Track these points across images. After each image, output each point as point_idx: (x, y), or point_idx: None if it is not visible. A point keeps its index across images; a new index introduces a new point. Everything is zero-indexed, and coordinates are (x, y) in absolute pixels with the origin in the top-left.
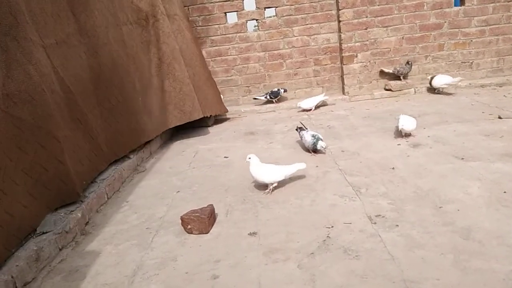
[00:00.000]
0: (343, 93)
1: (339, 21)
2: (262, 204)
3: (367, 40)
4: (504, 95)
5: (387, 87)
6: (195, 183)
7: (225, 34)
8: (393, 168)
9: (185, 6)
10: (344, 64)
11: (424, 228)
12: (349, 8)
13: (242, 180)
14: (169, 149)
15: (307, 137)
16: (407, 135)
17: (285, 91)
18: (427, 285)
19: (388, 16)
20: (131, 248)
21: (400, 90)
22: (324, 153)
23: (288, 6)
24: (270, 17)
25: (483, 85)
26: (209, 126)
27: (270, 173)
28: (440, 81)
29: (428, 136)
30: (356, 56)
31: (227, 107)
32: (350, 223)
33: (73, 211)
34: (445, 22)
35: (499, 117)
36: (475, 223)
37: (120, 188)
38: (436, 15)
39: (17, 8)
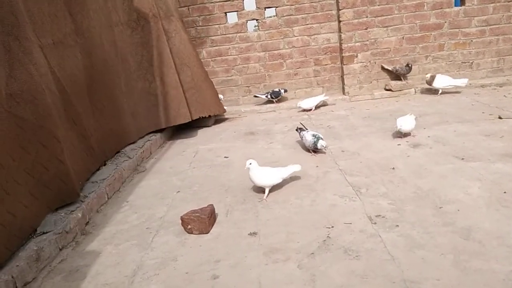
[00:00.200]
0: (343, 93)
1: (339, 21)
2: (262, 204)
3: (367, 40)
4: (505, 95)
5: (387, 87)
6: (195, 183)
7: (225, 34)
8: (393, 168)
9: (185, 6)
10: (344, 64)
11: (424, 228)
12: (349, 8)
13: (242, 180)
14: (169, 149)
15: (308, 136)
16: (406, 135)
17: (285, 91)
18: (427, 285)
19: (388, 16)
20: (131, 248)
21: (400, 90)
22: (324, 152)
23: (288, 6)
24: (270, 17)
25: (483, 85)
26: (209, 126)
27: (268, 176)
28: (442, 82)
29: (428, 136)
30: (356, 56)
31: (227, 107)
32: (350, 223)
33: (73, 211)
34: (445, 22)
35: (500, 117)
36: (475, 223)
37: (120, 188)
38: (436, 15)
39: (17, 7)
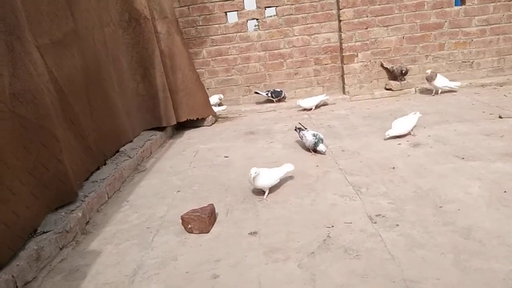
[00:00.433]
0: (344, 93)
1: (340, 21)
2: (262, 203)
3: (368, 40)
4: (505, 95)
5: (387, 87)
6: (196, 182)
7: (225, 34)
8: (393, 168)
9: (185, 6)
10: (344, 64)
11: (424, 227)
12: (349, 7)
13: (243, 179)
14: (169, 149)
15: (308, 136)
16: (406, 135)
17: (284, 97)
18: (428, 284)
19: (389, 16)
20: (131, 248)
21: (400, 90)
22: (324, 154)
23: (288, 6)
24: (271, 16)
25: (483, 84)
26: (209, 126)
27: (268, 178)
28: (442, 82)
29: (429, 136)
30: (357, 56)
31: (227, 106)
32: (351, 223)
33: (73, 210)
34: (445, 21)
35: (500, 117)
36: (476, 222)
37: (120, 188)
38: (437, 14)
39: (17, 7)
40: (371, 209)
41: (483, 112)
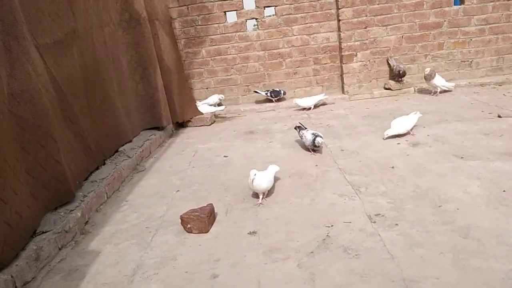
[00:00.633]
0: (343, 92)
1: (339, 20)
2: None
3: (367, 39)
4: (504, 94)
5: (386, 86)
6: (195, 182)
7: (224, 33)
8: (392, 167)
9: (184, 5)
10: (343, 63)
11: (423, 227)
12: (348, 7)
13: (242, 179)
14: (168, 148)
15: (308, 135)
16: (404, 134)
17: (284, 93)
18: (427, 284)
19: (388, 15)
20: (130, 248)
21: (399, 89)
22: (320, 149)
23: (287, 5)
24: (270, 16)
25: (482, 84)
26: (208, 125)
27: (267, 180)
28: (441, 81)
29: (428, 135)
30: (356, 55)
31: (225, 106)
32: (350, 222)
33: (72, 210)
34: (444, 21)
35: (499, 116)
36: (475, 222)
37: (119, 188)
38: (436, 14)
39: (15, 7)
40: (370, 209)
41: (482, 111)
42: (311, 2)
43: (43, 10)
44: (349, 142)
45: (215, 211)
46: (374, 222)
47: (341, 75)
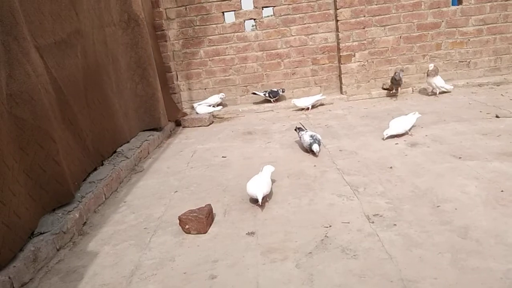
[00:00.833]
0: (341, 93)
1: (337, 21)
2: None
3: (365, 39)
4: (502, 94)
5: (384, 87)
6: (193, 183)
7: (222, 34)
8: (391, 167)
9: (182, 6)
10: (342, 64)
11: (421, 227)
12: (346, 7)
13: (240, 180)
14: (167, 149)
15: (306, 137)
16: (403, 134)
17: (283, 91)
18: (425, 284)
19: (386, 16)
20: (129, 248)
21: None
22: (316, 155)
23: (285, 6)
24: (268, 16)
25: (480, 84)
26: (207, 126)
27: (267, 184)
28: (440, 82)
29: (426, 135)
30: (354, 56)
31: (222, 107)
32: (348, 223)
33: (70, 211)
34: (442, 21)
35: (497, 116)
36: (473, 222)
37: (117, 188)
38: (434, 14)
39: (14, 7)
40: (368, 209)
41: (480, 111)
42: (309, 3)
43: (43, 10)
44: (348, 142)
45: (214, 212)
46: (373, 222)
47: (339, 76)
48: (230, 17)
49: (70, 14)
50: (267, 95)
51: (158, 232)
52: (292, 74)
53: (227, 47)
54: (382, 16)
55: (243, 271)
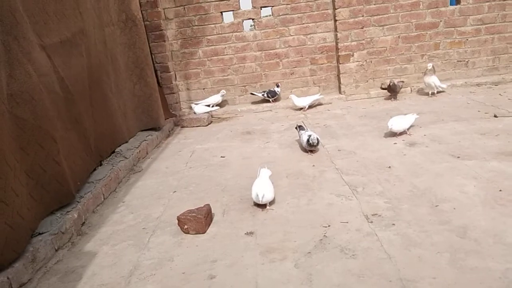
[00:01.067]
0: (340, 92)
1: (335, 20)
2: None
3: (363, 39)
4: (500, 94)
5: (383, 86)
6: (192, 183)
7: (221, 34)
8: (389, 167)
9: (180, 6)
10: (340, 63)
11: (420, 227)
12: (345, 7)
13: (239, 180)
14: (165, 149)
15: (304, 136)
16: (402, 133)
17: (277, 86)
18: (424, 283)
19: (384, 15)
20: (127, 249)
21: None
22: (316, 149)
23: (284, 6)
24: (266, 16)
25: (478, 83)
26: (205, 126)
27: (271, 190)
28: (437, 81)
29: (425, 135)
30: (353, 55)
31: (224, 106)
32: (347, 222)
33: (69, 211)
34: (440, 21)
35: (495, 116)
36: (471, 221)
37: (116, 189)
38: (432, 14)
39: (15, 7)
40: (367, 209)
41: (479, 111)
42: (308, 2)
43: (48, 10)
44: (346, 142)
45: (212, 212)
46: (371, 222)
47: (338, 75)
48: (228, 17)
49: (74, 14)
50: (265, 95)
51: (157, 232)
52: (291, 74)
53: (225, 47)
54: (381, 16)
55: (242, 271)
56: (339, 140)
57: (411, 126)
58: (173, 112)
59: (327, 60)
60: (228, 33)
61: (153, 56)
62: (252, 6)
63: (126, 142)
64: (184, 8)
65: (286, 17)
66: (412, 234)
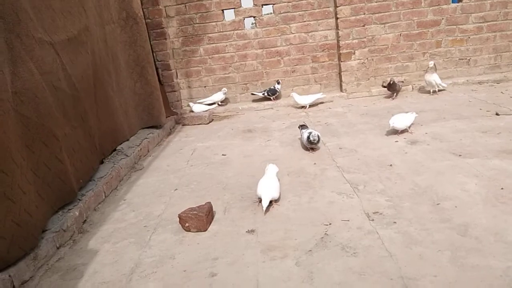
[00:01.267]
0: (341, 90)
1: (337, 18)
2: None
3: (365, 37)
4: (502, 92)
5: (384, 84)
6: (193, 181)
7: (222, 32)
8: (390, 165)
9: (182, 4)
10: (341, 61)
11: (421, 225)
12: (346, 5)
13: (240, 178)
14: (167, 147)
15: (305, 134)
16: (403, 131)
17: (278, 82)
18: (425, 281)
19: (386, 13)
20: (129, 246)
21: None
22: (317, 146)
23: (285, 3)
24: (268, 14)
25: (480, 81)
26: (206, 124)
27: (277, 188)
28: (438, 79)
29: (426, 133)
30: (354, 53)
31: (225, 105)
32: (348, 220)
33: (70, 209)
34: (442, 19)
35: (497, 114)
36: (473, 219)
37: (117, 186)
38: (434, 12)
39: (18, 5)
40: (368, 207)
41: (480, 109)
42: (309, 0)
43: (54, 7)
44: (348, 140)
45: (214, 210)
46: (372, 220)
47: (339, 73)
48: (229, 15)
49: (79, 11)
50: (265, 94)
51: (158, 230)
52: (292, 72)
53: (226, 45)
54: (382, 14)
55: (243, 269)
56: (340, 138)
57: (412, 124)
58: (174, 110)
59: (328, 58)
60: (229, 31)
61: (154, 54)
62: (254, 4)
63: (127, 140)
64: (185, 6)
65: (287, 15)
66: (413, 232)
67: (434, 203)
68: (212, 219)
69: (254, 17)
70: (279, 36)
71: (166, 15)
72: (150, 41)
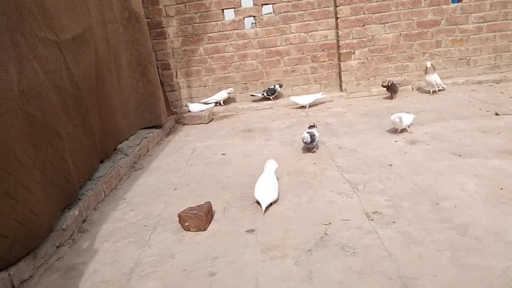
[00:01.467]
0: (341, 90)
1: (337, 18)
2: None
3: (365, 37)
4: (501, 92)
5: (384, 84)
6: (193, 180)
7: (222, 31)
8: (390, 165)
9: (182, 3)
10: (341, 61)
11: (421, 224)
12: (346, 4)
13: (240, 177)
14: (166, 146)
15: (304, 134)
16: (403, 131)
17: (280, 86)
18: (424, 281)
19: (386, 13)
20: (128, 246)
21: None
22: (315, 146)
23: (285, 3)
24: (268, 14)
25: (480, 81)
26: (206, 123)
27: (275, 188)
28: (438, 79)
29: (426, 133)
30: (354, 53)
31: (224, 105)
32: (348, 220)
33: (70, 208)
34: (442, 18)
35: (496, 114)
36: (472, 219)
37: (117, 186)
38: (434, 11)
39: (21, 4)
40: (368, 206)
41: (480, 109)
42: (309, 0)
43: (60, 6)
44: (347, 140)
45: (213, 209)
46: (372, 219)
47: (339, 73)
48: (229, 15)
49: (83, 10)
50: (265, 94)
51: (158, 229)
52: (292, 72)
53: (226, 45)
54: (382, 14)
55: (243, 268)
56: (340, 138)
57: (411, 123)
58: (174, 110)
59: (328, 58)
60: (229, 30)
61: (154, 54)
62: (253, 4)
63: (127, 139)
64: (185, 6)
65: (287, 14)
66: (413, 232)
67: (433, 203)
68: (212, 218)
69: (254, 16)
70: (279, 35)
71: (166, 15)
72: None
